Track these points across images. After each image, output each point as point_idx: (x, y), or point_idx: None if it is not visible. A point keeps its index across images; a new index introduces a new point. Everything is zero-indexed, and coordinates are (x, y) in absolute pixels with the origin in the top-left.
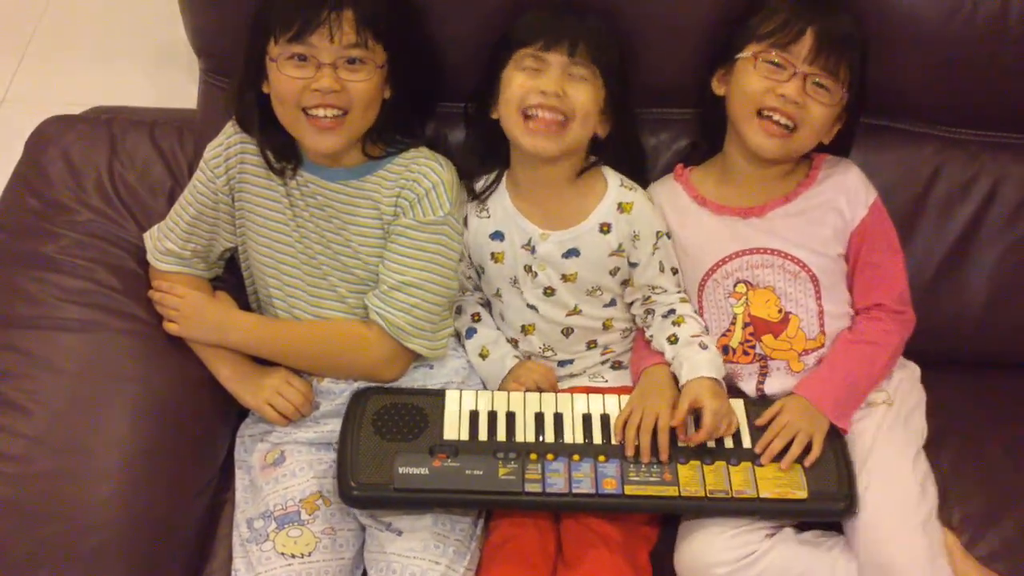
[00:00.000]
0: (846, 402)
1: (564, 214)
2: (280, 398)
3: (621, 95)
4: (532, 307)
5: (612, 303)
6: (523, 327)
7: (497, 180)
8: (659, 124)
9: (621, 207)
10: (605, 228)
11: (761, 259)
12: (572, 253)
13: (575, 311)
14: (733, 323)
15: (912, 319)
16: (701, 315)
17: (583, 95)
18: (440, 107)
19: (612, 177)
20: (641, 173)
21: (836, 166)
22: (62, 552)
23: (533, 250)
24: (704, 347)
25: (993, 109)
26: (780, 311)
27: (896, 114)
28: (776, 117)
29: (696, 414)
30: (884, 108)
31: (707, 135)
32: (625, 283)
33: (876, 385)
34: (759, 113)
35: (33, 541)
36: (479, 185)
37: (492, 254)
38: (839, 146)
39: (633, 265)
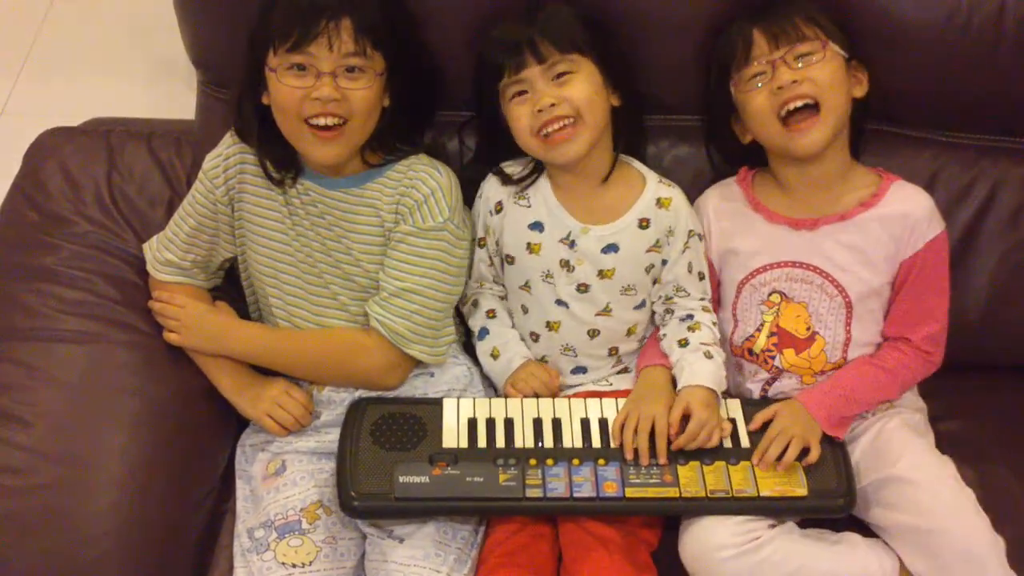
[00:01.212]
0: (840, 412)
1: (604, 209)
2: (279, 409)
3: (614, 61)
4: (562, 303)
5: (641, 305)
6: (548, 323)
7: (537, 172)
8: (657, 132)
9: (660, 202)
10: (644, 223)
11: (802, 274)
12: (611, 248)
13: (606, 310)
14: (759, 329)
15: (937, 363)
16: (734, 316)
17: (577, 88)
18: (439, 115)
19: (649, 173)
20: (640, 146)
21: (906, 195)
22: (63, 564)
23: (572, 244)
24: (709, 356)
25: (991, 113)
26: (808, 329)
27: (894, 119)
28: (792, 105)
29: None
30: (881, 113)
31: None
32: (656, 282)
33: (874, 406)
34: (781, 120)
35: (34, 553)
36: (515, 171)
37: (528, 244)
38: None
39: (663, 262)
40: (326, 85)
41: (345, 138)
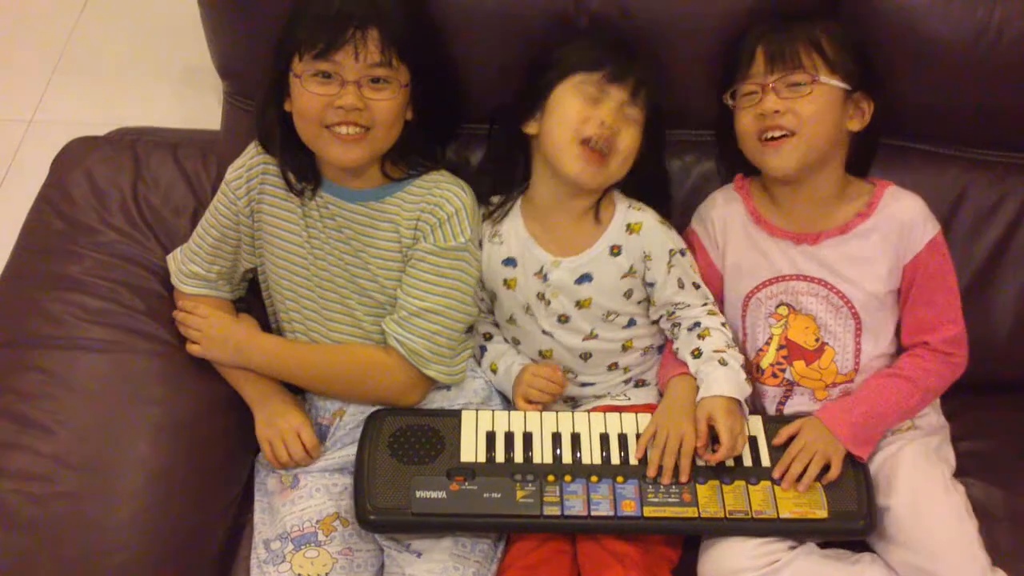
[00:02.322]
0: (865, 431)
1: (575, 240)
2: (281, 446)
3: (659, 136)
4: (548, 333)
5: (631, 324)
6: (540, 352)
7: (511, 202)
8: (683, 147)
9: (630, 227)
10: (615, 250)
11: (807, 287)
12: (585, 279)
13: (591, 335)
14: (768, 343)
15: (962, 363)
16: (743, 330)
17: (630, 138)
18: (462, 129)
19: (620, 200)
20: (665, 198)
21: (899, 198)
22: (84, 572)
23: (545, 278)
24: (724, 363)
25: (1019, 131)
26: (818, 340)
27: (921, 136)
28: (770, 134)
29: (714, 432)
30: (909, 130)
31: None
32: (643, 303)
33: (903, 420)
34: (762, 140)
35: (55, 561)
36: (492, 206)
37: (505, 280)
38: (861, 154)
39: (650, 285)
40: (350, 94)
41: (367, 143)
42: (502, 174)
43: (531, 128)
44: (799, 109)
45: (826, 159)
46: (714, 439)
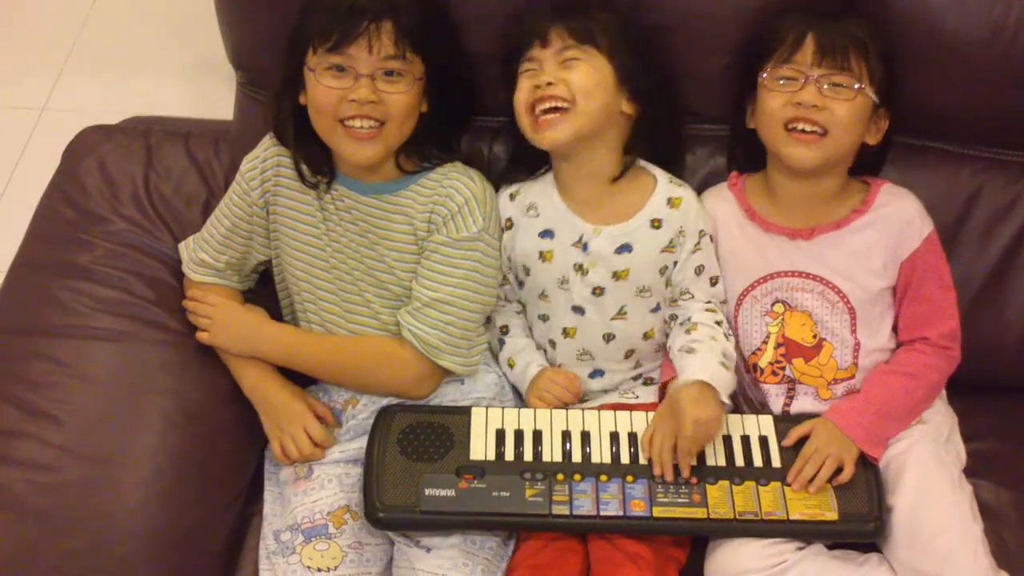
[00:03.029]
0: (878, 432)
1: (615, 210)
2: (290, 442)
3: (635, 67)
4: (578, 309)
5: (657, 308)
6: (564, 330)
7: (541, 176)
8: (695, 141)
9: (671, 202)
10: (656, 223)
11: (802, 283)
12: (625, 249)
13: (621, 313)
14: (765, 342)
15: (957, 357)
16: (736, 330)
17: (578, 73)
18: (477, 121)
19: (660, 174)
20: (677, 161)
21: (894, 195)
22: (90, 562)
23: (585, 247)
24: (691, 351)
25: None
26: (815, 336)
27: (936, 134)
28: (802, 126)
29: None
30: (924, 128)
31: (749, 165)
32: (668, 285)
33: (914, 417)
34: (787, 128)
35: (62, 551)
36: (519, 184)
37: (540, 253)
38: (871, 164)
39: (675, 264)
40: (364, 87)
41: (382, 139)
42: (531, 161)
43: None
44: (836, 110)
45: (841, 162)
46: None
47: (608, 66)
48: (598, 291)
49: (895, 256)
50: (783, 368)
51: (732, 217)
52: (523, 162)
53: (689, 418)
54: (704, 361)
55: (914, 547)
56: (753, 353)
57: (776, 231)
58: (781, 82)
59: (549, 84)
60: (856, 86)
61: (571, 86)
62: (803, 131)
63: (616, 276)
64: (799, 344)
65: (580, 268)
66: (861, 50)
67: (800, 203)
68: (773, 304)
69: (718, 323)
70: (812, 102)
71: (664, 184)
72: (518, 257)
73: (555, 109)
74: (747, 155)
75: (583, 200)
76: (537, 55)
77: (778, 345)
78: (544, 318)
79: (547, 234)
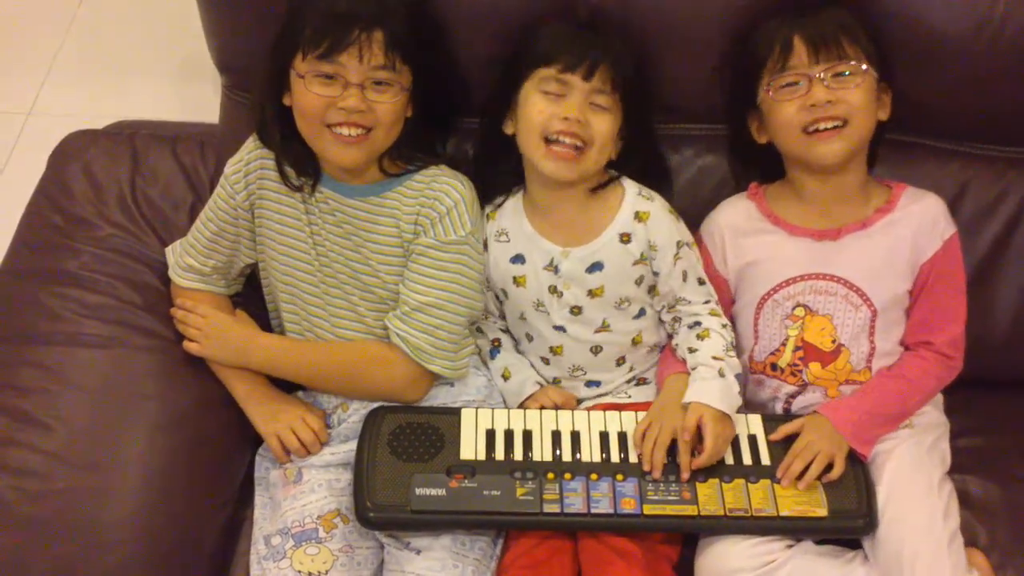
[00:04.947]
0: (868, 429)
1: (583, 229)
2: (290, 434)
3: (639, 117)
4: (559, 328)
5: (641, 313)
6: (551, 348)
7: (511, 199)
8: (682, 140)
9: (638, 216)
10: (625, 238)
11: (826, 285)
12: (596, 267)
13: (604, 327)
14: (784, 344)
15: (958, 367)
16: (755, 332)
17: (603, 125)
18: (463, 123)
19: (630, 187)
20: (665, 186)
21: (918, 197)
22: (81, 569)
23: (556, 269)
24: (722, 374)
25: (1022, 126)
26: (834, 342)
27: (922, 130)
28: (823, 125)
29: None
30: (910, 124)
31: (753, 176)
32: (652, 290)
33: (903, 420)
34: (807, 132)
35: (53, 558)
36: (495, 205)
37: (514, 278)
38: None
39: (655, 274)
40: (353, 96)
41: (367, 144)
42: (490, 175)
43: (509, 128)
44: (849, 98)
45: (862, 149)
46: (700, 440)
47: (620, 116)
48: (576, 310)
49: (916, 257)
50: (800, 371)
51: (751, 225)
52: (489, 168)
53: (712, 435)
54: (731, 390)
55: (883, 549)
56: (771, 354)
57: (802, 234)
58: (786, 90)
59: (578, 121)
60: (863, 68)
61: (592, 132)
62: (826, 129)
63: (591, 294)
64: (818, 348)
65: (554, 290)
66: (850, 33)
67: (826, 203)
68: (794, 308)
69: (724, 326)
70: (825, 99)
71: (632, 197)
72: (495, 281)
73: (573, 147)
74: (747, 166)
75: (554, 220)
76: (570, 81)
77: (796, 348)
78: (530, 337)
79: (518, 259)
